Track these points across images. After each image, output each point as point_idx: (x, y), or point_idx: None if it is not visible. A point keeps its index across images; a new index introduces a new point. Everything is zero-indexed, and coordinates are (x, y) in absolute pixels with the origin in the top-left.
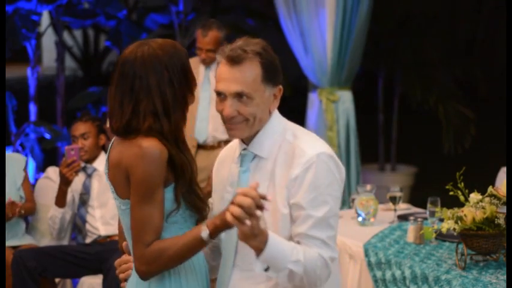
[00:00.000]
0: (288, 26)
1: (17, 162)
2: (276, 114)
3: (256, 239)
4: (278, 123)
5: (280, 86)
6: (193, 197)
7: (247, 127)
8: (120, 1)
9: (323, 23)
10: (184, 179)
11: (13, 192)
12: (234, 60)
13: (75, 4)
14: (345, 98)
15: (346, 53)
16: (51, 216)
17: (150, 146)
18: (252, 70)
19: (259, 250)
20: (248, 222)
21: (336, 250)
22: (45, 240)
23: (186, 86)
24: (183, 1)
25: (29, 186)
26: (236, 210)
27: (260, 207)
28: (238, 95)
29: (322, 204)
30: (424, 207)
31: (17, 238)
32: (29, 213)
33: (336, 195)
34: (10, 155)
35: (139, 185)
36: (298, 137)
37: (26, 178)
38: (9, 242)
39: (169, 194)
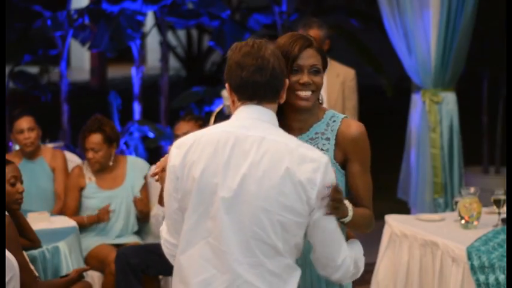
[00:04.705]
0: (392, 26)
1: (139, 169)
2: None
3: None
4: None
5: None
6: None
7: None
8: (223, 1)
9: (427, 22)
10: None
11: (129, 195)
12: None
13: (179, 4)
14: (449, 99)
15: (450, 54)
16: (154, 215)
17: None
18: None
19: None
20: None
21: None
22: (150, 238)
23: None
24: (286, 1)
25: (147, 194)
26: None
27: None
28: None
29: None
30: None
31: (124, 237)
32: (143, 218)
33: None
34: (134, 160)
35: None
36: None
37: (145, 185)
38: (117, 240)
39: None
